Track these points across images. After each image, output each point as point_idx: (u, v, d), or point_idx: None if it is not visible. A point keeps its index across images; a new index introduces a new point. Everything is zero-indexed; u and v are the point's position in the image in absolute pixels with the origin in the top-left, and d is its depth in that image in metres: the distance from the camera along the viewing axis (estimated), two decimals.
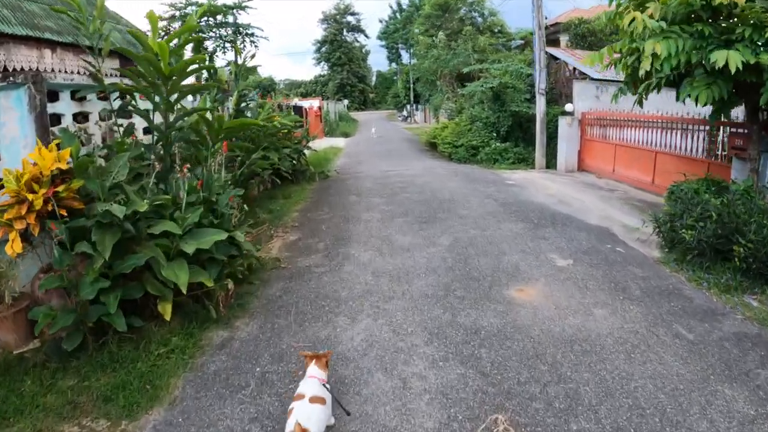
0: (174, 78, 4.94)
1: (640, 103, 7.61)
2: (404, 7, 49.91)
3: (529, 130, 15.77)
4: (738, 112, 8.62)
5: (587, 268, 5.85)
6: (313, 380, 2.95)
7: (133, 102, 5.37)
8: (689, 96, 5.65)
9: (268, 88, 69.63)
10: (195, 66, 5.21)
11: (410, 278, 5.48)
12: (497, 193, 10.28)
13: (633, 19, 5.52)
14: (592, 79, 14.62)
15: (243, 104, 9.47)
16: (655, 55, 5.41)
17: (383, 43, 60.76)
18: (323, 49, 75.60)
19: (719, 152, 9.22)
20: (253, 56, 9.84)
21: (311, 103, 30.14)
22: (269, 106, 10.22)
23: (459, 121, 17.31)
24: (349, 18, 76.94)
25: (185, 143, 5.43)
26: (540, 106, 13.91)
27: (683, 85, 5.88)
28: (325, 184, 12.30)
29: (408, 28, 41.83)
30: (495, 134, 15.57)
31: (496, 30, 27.74)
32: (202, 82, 9.41)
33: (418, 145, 21.98)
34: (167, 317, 3.90)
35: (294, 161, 12.41)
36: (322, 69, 77.22)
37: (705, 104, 5.61)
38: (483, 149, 15.21)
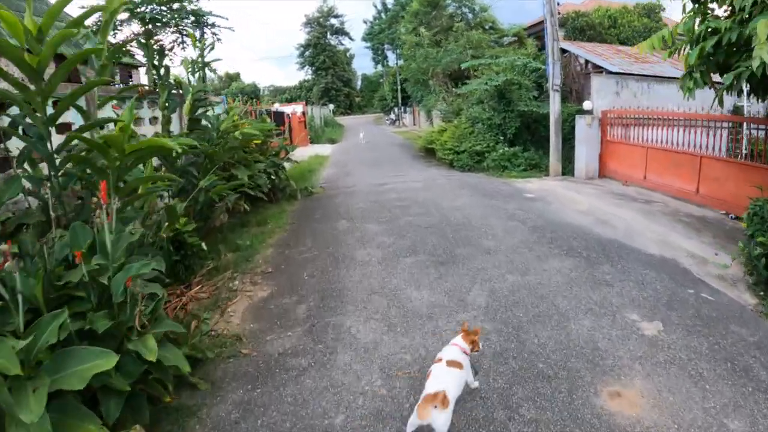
0: (51, 74, 3.00)
1: (721, 101, 5.96)
2: (389, 6, 48.05)
3: (537, 132, 13.97)
4: None
5: (685, 337, 4.03)
6: (454, 347, 3.08)
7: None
8: None
9: (251, 94, 67.90)
10: (76, 50, 3.24)
11: None
12: (520, 210, 8.41)
13: None
14: (610, 73, 12.87)
15: (200, 110, 7.51)
16: None
17: (368, 44, 58.79)
18: (307, 53, 73.98)
19: None
20: (212, 48, 7.88)
21: (294, 109, 28.12)
22: (233, 113, 8.26)
23: (458, 124, 15.46)
24: (333, 21, 75.34)
25: (80, 177, 3.46)
26: (554, 104, 12.09)
27: None
28: (309, 203, 10.35)
29: (394, 28, 39.98)
30: (501, 137, 13.71)
31: (487, 26, 26.18)
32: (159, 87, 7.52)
33: (411, 151, 20.05)
34: None
35: (272, 177, 10.48)
36: (305, 74, 75.73)
37: None
38: (489, 155, 13.35)
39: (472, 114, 15.14)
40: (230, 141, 6.98)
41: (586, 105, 12.06)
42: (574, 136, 12.73)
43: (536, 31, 24.74)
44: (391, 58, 52.47)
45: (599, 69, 13.68)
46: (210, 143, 7.15)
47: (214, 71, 9.92)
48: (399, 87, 43.18)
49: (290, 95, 73.03)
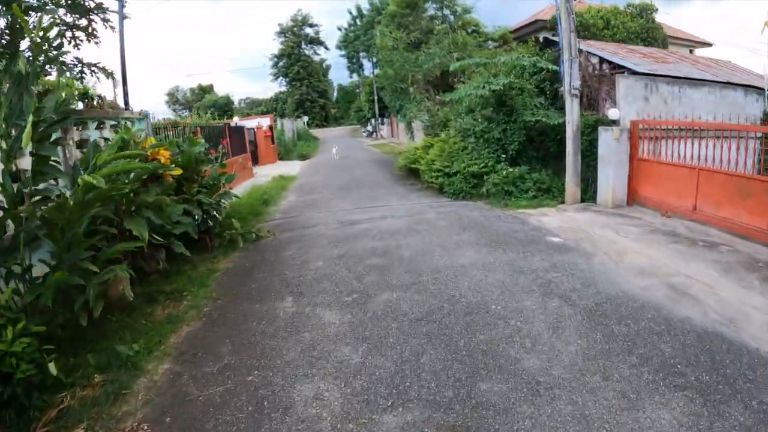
0: None
1: None
2: (365, 12, 45.51)
3: (544, 147, 11.34)
4: None
5: None
6: None
7: None
8: None
9: (224, 107, 64.80)
10: None
11: None
12: (554, 274, 5.67)
13: None
14: (636, 74, 10.34)
15: (54, 137, 4.61)
16: None
17: (343, 52, 56.17)
18: (280, 63, 71.30)
19: None
20: (91, 39, 4.99)
21: (260, 122, 25.21)
22: (119, 139, 5.39)
23: (447, 138, 12.75)
24: (308, 30, 72.89)
25: None
26: (572, 112, 9.45)
27: None
28: (251, 256, 7.48)
29: (370, 34, 37.42)
30: (502, 154, 11.02)
31: (470, 30, 23.89)
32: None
33: (390, 169, 17.18)
34: None
35: (207, 216, 7.63)
36: (279, 85, 73.04)
37: None
38: (488, 177, 10.63)
39: (463, 126, 12.47)
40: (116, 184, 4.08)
41: (612, 114, 9.45)
42: (594, 153, 10.14)
43: (523, 35, 22.43)
44: (368, 66, 49.88)
45: (618, 70, 11.16)
46: (59, 199, 4.26)
47: (109, 75, 7.02)
48: (376, 97, 40.59)
49: (266, 107, 70.49)
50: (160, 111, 76.57)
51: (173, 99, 78.90)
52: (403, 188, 13.00)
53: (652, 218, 8.65)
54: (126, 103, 11.15)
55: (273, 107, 69.52)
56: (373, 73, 41.79)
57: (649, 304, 4.78)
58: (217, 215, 8.03)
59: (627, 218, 8.68)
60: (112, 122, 7.70)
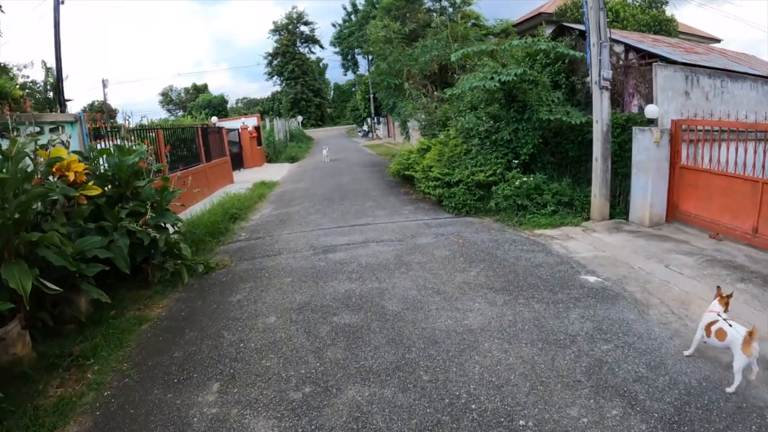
0: None
1: None
2: (359, 7, 43.58)
3: (560, 151, 9.55)
4: None
5: None
6: (711, 314, 3.50)
7: None
8: None
9: (218, 107, 63.03)
10: None
11: None
12: (602, 343, 3.88)
13: None
14: (675, 64, 8.57)
15: None
16: None
17: (337, 49, 54.23)
18: (275, 62, 69.53)
19: None
20: None
21: (244, 123, 23.32)
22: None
23: (446, 139, 10.94)
24: (303, 28, 71.22)
25: None
26: (602, 109, 7.65)
27: None
28: (189, 303, 5.69)
29: (365, 29, 35.62)
30: (513, 159, 9.23)
31: (470, 23, 22.19)
32: None
33: (382, 174, 15.33)
34: None
35: (147, 244, 5.83)
36: (274, 84, 71.40)
37: None
38: (498, 188, 8.80)
39: (465, 125, 10.67)
40: None
41: (650, 111, 7.64)
42: (623, 159, 8.39)
43: (526, 29, 20.64)
44: (363, 64, 48.04)
45: (648, 60, 9.40)
46: None
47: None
48: (371, 96, 38.76)
49: (263, 107, 68.87)
50: (153, 111, 74.89)
51: (167, 99, 77.17)
52: (395, 199, 11.15)
53: (700, 241, 6.88)
54: (60, 103, 9.39)
55: (270, 107, 67.95)
56: (368, 70, 40.00)
57: (750, 405, 3.01)
58: (159, 240, 6.21)
59: (671, 242, 6.88)
60: (33, 128, 5.92)
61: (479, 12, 23.56)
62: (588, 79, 10.26)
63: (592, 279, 5.43)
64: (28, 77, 38.33)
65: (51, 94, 41.08)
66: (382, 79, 18.08)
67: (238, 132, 22.21)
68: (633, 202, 8.07)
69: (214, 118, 20.12)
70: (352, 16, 47.68)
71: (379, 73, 18.41)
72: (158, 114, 71.34)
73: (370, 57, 33.34)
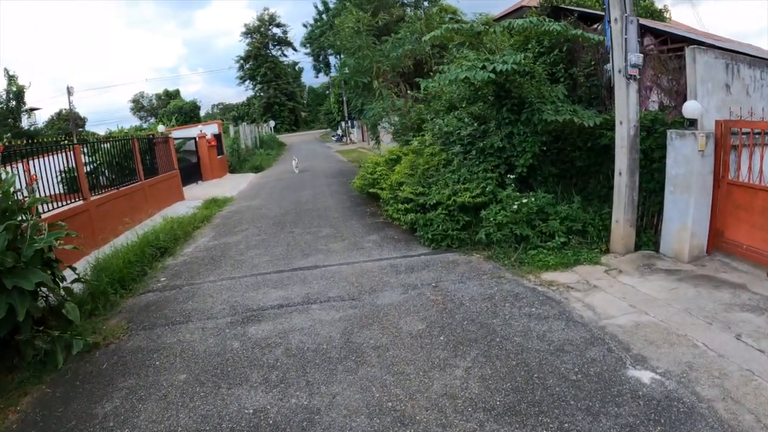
0: None
1: None
2: (331, 5, 41.42)
3: (562, 160, 7.57)
4: None
5: None
6: None
7: None
8: None
9: (190, 113, 60.23)
10: None
11: None
12: None
13: None
14: (712, 48, 6.66)
15: None
16: None
17: (308, 50, 52.07)
18: (247, 65, 67.15)
19: None
20: None
21: (202, 131, 20.93)
22: None
23: (420, 146, 8.89)
24: (275, 30, 69.00)
25: None
26: (628, 105, 5.65)
27: None
28: (48, 407, 3.72)
29: (337, 29, 33.57)
30: (508, 173, 7.18)
31: (447, 17, 20.29)
32: None
33: (348, 188, 13.09)
34: None
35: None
36: (246, 88, 69.23)
37: None
38: (488, 212, 6.70)
39: (443, 128, 8.64)
40: None
41: (690, 109, 5.65)
42: (650, 170, 6.40)
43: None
44: (335, 65, 45.99)
45: (671, 46, 7.54)
46: None
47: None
48: (345, 98, 36.67)
49: (238, 112, 66.37)
50: (125, 119, 71.68)
51: (138, 106, 74.20)
52: (358, 223, 8.98)
53: (761, 285, 4.92)
54: None
55: (246, 111, 65.63)
56: (335, 66, 38.06)
57: None
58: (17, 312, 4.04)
59: (726, 289, 4.94)
60: None
61: (456, 6, 21.83)
62: (589, 71, 8.37)
63: (646, 377, 3.38)
64: None
65: (14, 103, 38.27)
66: (350, 76, 16.00)
67: (195, 141, 19.86)
68: (666, 228, 6.08)
69: (161, 127, 17.69)
70: (324, 15, 45.58)
71: (347, 67, 16.33)
72: (130, 122, 68.35)
73: (340, 55, 31.40)
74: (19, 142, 7.78)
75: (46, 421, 3.49)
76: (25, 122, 37.00)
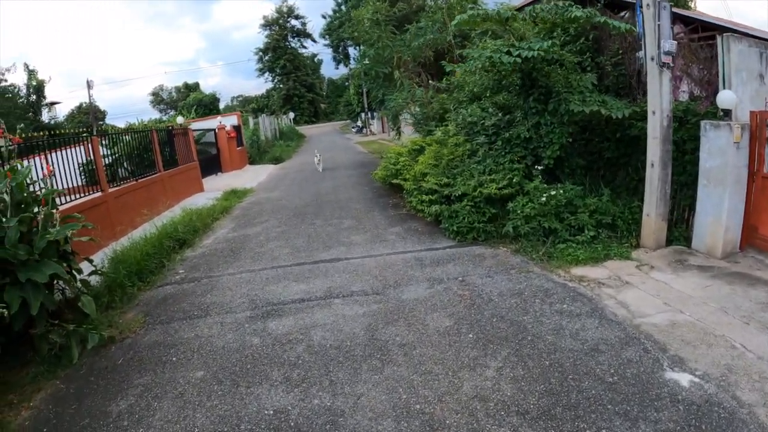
0: None
1: None
2: None
3: (590, 151, 7.37)
4: None
5: None
6: None
7: None
8: None
9: (210, 105, 60.72)
10: None
11: None
12: None
13: None
14: (745, 36, 6.43)
15: None
16: None
17: (327, 41, 51.95)
18: (266, 57, 67.30)
19: None
20: None
21: (221, 122, 21.02)
22: None
23: (444, 137, 8.74)
24: (294, 22, 68.94)
25: None
26: (661, 94, 5.45)
27: None
28: (62, 404, 3.73)
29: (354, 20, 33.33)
30: (535, 164, 7.03)
31: (469, 6, 19.90)
32: None
33: (370, 179, 12.96)
34: None
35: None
36: (266, 80, 69.48)
37: None
38: (515, 204, 6.58)
39: (467, 118, 8.49)
40: None
41: (725, 98, 5.43)
42: (682, 162, 6.18)
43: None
44: (355, 56, 45.76)
45: (702, 34, 7.29)
46: None
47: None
48: (364, 89, 36.50)
49: (257, 104, 66.68)
50: (145, 111, 72.45)
51: (158, 99, 75.03)
52: (381, 215, 8.92)
53: None
54: None
55: (265, 104, 65.86)
56: (355, 58, 37.90)
57: None
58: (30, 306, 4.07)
59: (761, 287, 4.76)
60: None
61: None
62: (617, 59, 8.11)
63: (684, 380, 3.25)
64: (6, 81, 36.19)
65: (34, 97, 38.97)
66: (370, 67, 15.87)
67: (215, 133, 19.95)
68: (699, 223, 5.87)
69: (180, 119, 17.80)
70: (343, 6, 45.34)
71: (367, 59, 16.20)
72: (150, 114, 69.16)
73: (360, 46, 31.25)
74: (37, 135, 7.86)
75: (59, 419, 3.49)
76: (45, 116, 37.61)
